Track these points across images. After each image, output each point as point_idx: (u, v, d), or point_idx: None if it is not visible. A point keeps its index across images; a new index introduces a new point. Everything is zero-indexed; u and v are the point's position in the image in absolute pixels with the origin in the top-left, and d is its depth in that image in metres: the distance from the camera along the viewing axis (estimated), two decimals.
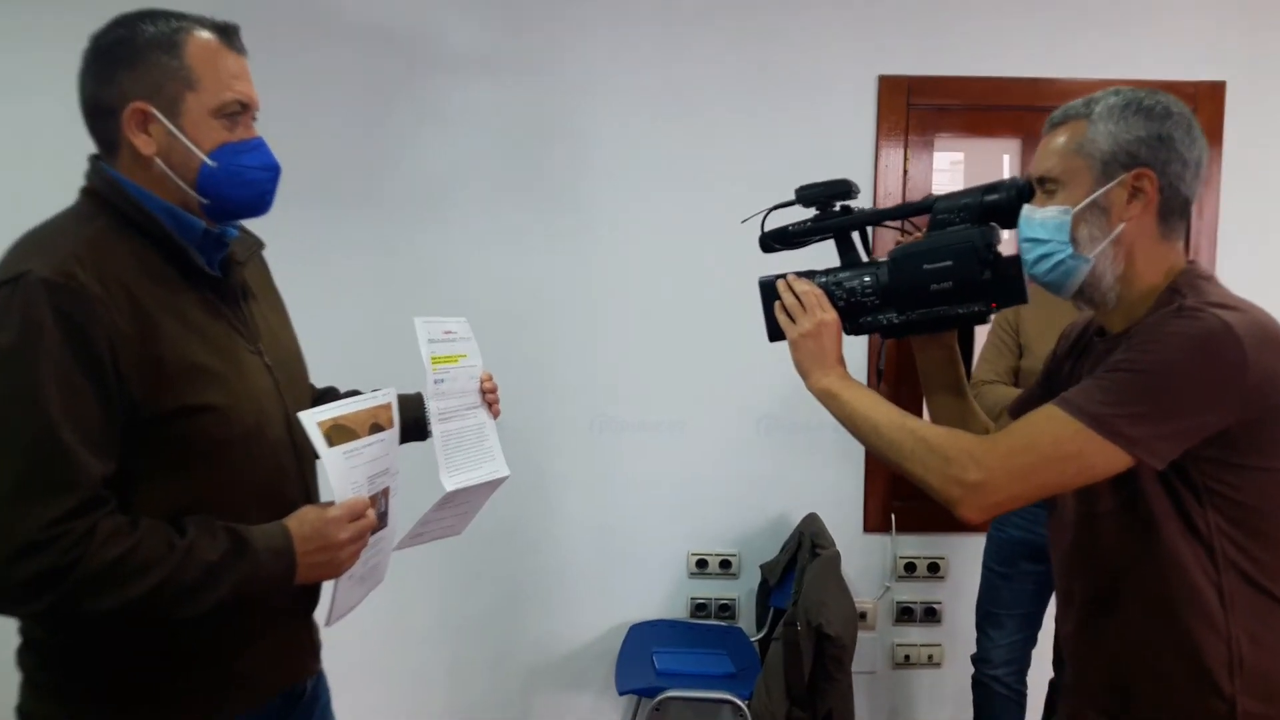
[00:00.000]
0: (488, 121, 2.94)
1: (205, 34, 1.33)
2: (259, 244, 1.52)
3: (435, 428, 1.67)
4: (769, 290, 1.55)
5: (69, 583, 1.14)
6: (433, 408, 1.67)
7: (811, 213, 1.57)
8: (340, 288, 2.94)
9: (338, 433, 1.33)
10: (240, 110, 1.34)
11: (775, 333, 1.55)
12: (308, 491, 1.45)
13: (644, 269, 2.99)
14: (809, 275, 1.55)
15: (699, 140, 2.95)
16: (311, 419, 1.30)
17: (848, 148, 2.95)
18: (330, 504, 1.31)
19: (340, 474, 1.31)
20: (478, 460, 1.74)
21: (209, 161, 1.31)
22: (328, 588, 1.37)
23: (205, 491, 1.28)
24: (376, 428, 1.40)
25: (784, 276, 1.54)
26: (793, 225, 1.58)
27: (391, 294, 2.94)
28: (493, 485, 1.75)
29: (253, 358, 1.39)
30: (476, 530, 1.88)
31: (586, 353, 3.00)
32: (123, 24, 1.31)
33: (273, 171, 1.38)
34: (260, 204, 1.39)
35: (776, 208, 1.60)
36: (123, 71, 1.29)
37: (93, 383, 1.17)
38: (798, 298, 1.51)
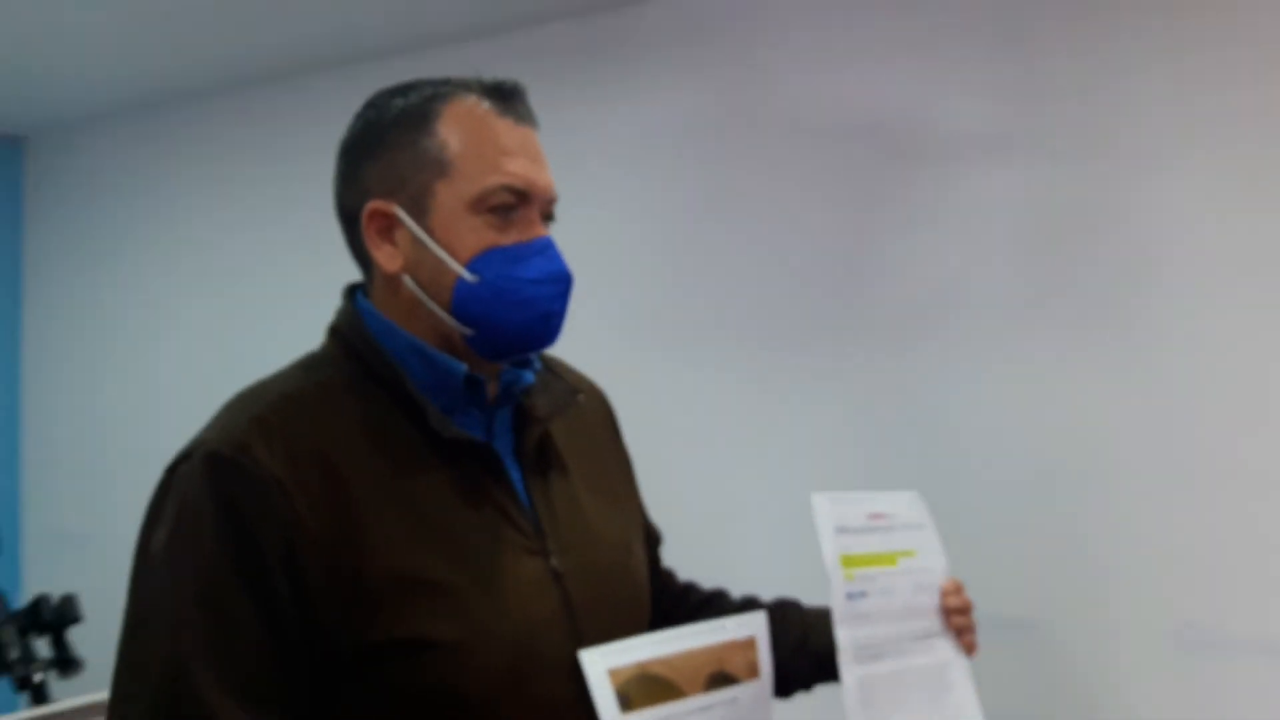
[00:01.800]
0: (998, 219, 2.28)
1: (469, 98, 0.95)
2: (571, 395, 1.06)
3: (847, 671, 1.06)
4: None
5: None
6: (844, 639, 1.07)
7: None
8: (790, 442, 2.43)
9: (643, 687, 0.90)
10: (514, 203, 0.94)
11: None
12: None
13: (1245, 411, 2.04)
14: None
15: None
16: (599, 663, 0.90)
17: None
18: None
19: None
20: (930, 717, 1.09)
21: (466, 275, 0.94)
22: None
23: None
24: (722, 679, 0.95)
25: None
26: None
27: (862, 449, 2.36)
28: None
29: (530, 561, 0.95)
30: None
31: (1158, 529, 2.11)
32: (375, 103, 0.99)
33: (559, 284, 0.97)
34: (544, 330, 0.97)
35: None
36: (367, 164, 0.97)
37: (254, 600, 0.85)
38: None
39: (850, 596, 1.09)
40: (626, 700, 0.88)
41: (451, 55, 2.77)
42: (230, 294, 3.30)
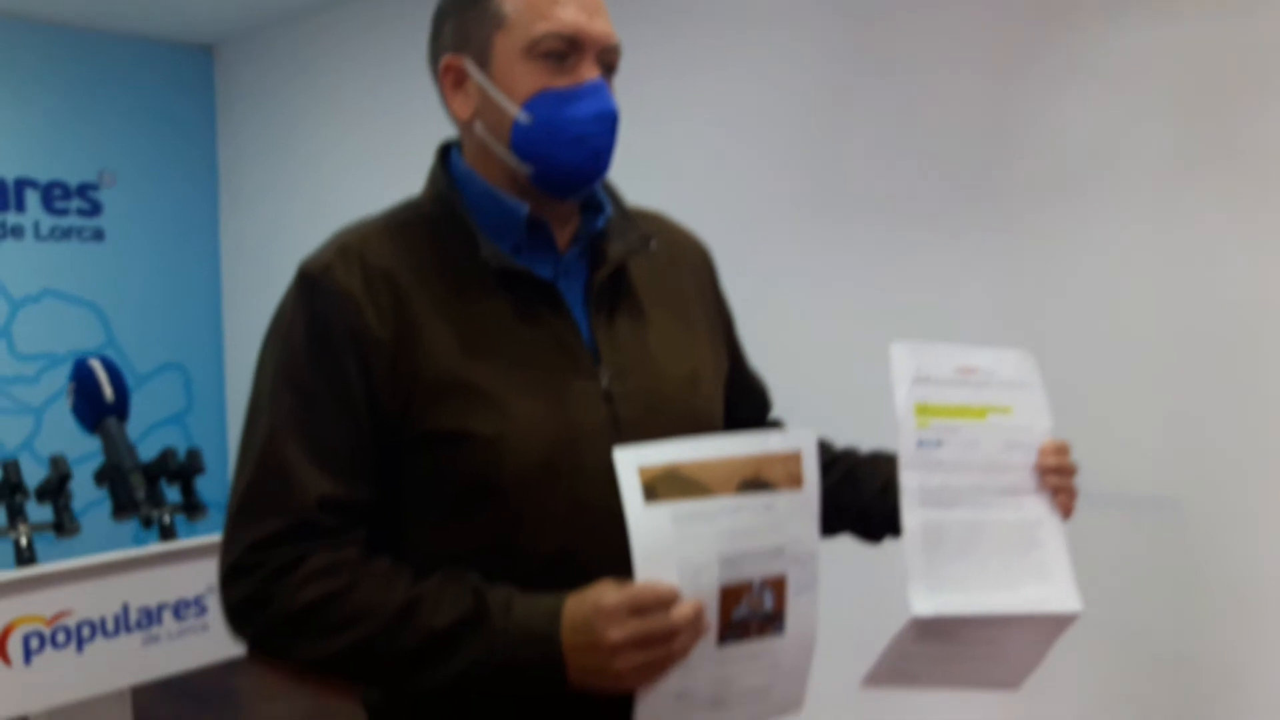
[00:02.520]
0: (1155, 76, 2.12)
1: None
2: (644, 241, 1.11)
3: (909, 513, 1.07)
4: None
5: (264, 619, 0.98)
6: (909, 481, 1.08)
7: None
8: (931, 315, 2.39)
9: (670, 484, 0.92)
10: (565, 49, 1.01)
11: None
12: None
13: None
14: None
15: None
16: (631, 460, 0.92)
17: None
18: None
19: (648, 543, 0.91)
20: (1012, 576, 1.10)
21: (521, 116, 1.02)
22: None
23: (480, 545, 1.01)
24: (757, 484, 0.95)
25: None
26: None
27: (1005, 321, 2.30)
28: (1051, 625, 1.10)
29: (580, 381, 1.03)
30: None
31: None
32: None
33: (605, 122, 1.03)
34: (594, 165, 1.05)
35: None
36: (445, 24, 1.08)
37: (331, 389, 0.99)
38: None
39: (923, 444, 1.08)
40: (653, 494, 0.90)
41: None
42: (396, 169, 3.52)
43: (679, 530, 0.92)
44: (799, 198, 2.66)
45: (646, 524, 0.91)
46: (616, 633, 0.90)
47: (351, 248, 1.03)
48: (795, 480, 0.97)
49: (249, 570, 0.97)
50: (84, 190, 4.12)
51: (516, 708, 0.99)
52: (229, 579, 0.99)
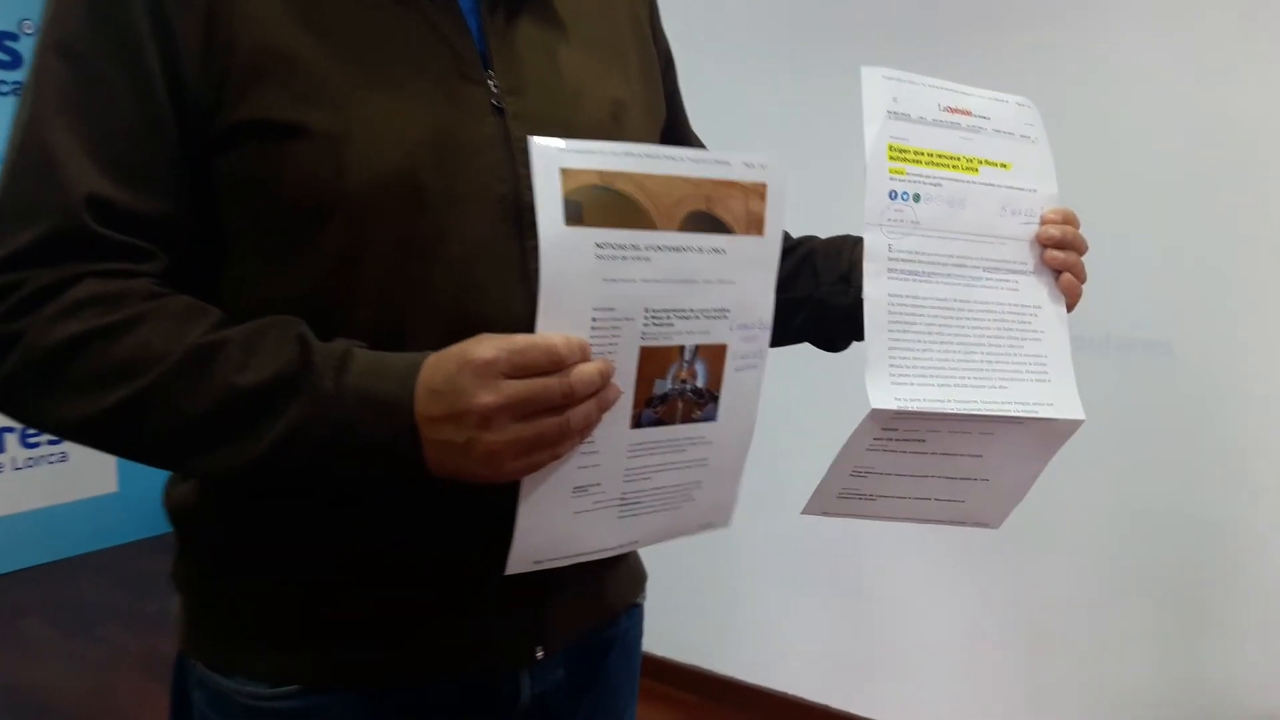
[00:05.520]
0: None
1: None
2: None
3: (871, 281, 0.83)
4: None
5: (9, 363, 0.71)
6: (874, 242, 0.83)
7: None
8: None
9: (600, 203, 0.67)
10: None
11: None
12: None
13: None
14: None
15: None
16: (552, 158, 0.66)
17: None
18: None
19: (560, 280, 0.67)
20: (1001, 370, 0.86)
21: None
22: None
23: (324, 287, 0.74)
24: (708, 221, 0.71)
25: None
26: None
27: None
28: (1048, 434, 0.87)
29: (462, 84, 0.77)
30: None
31: None
32: None
33: None
34: None
35: None
36: None
37: (114, 57, 0.72)
38: None
39: (896, 197, 0.83)
40: (577, 211, 0.66)
41: None
42: None
43: (602, 269, 0.67)
44: (776, 20, 2.35)
45: (562, 252, 0.66)
46: (489, 396, 0.65)
47: None
48: (755, 223, 0.73)
49: None
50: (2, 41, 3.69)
51: (360, 510, 0.75)
52: None
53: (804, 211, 1.04)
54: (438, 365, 0.68)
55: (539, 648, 0.84)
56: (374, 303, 0.74)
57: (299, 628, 0.79)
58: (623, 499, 0.74)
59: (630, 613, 0.97)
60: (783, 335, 0.92)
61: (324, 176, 0.72)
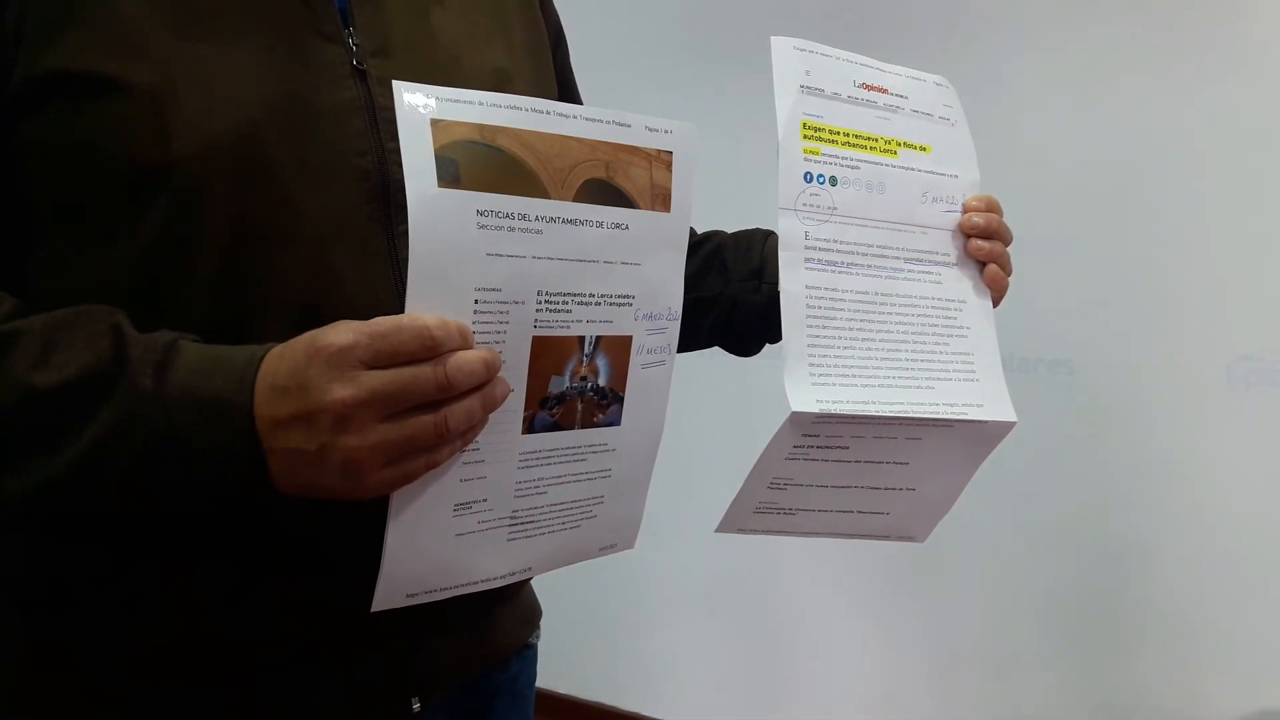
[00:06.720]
0: None
1: None
2: None
3: (787, 274, 0.75)
4: None
5: None
6: (789, 229, 0.76)
7: None
8: None
9: (482, 162, 0.57)
10: None
11: None
12: None
13: None
14: None
15: None
16: (420, 107, 0.56)
17: None
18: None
19: (432, 253, 0.56)
20: (926, 369, 0.79)
21: None
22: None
23: (149, 274, 0.62)
24: (608, 191, 0.62)
25: None
26: None
27: None
28: (977, 438, 0.80)
29: (318, 44, 0.66)
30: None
31: (1225, 251, 1.78)
32: None
33: None
34: None
35: None
36: None
37: None
38: None
39: (811, 179, 0.76)
40: (452, 171, 0.56)
41: None
42: None
43: (486, 241, 0.57)
44: (675, 41, 2.29)
45: (436, 219, 0.55)
46: (345, 389, 0.54)
47: None
48: (662, 197, 0.64)
49: None
50: None
51: (197, 534, 0.62)
52: None
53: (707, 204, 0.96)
54: (283, 356, 0.56)
55: (414, 699, 0.72)
56: (209, 293, 0.62)
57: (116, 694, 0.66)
58: (513, 518, 0.64)
59: (522, 654, 0.85)
60: (691, 338, 0.83)
61: (146, 142, 0.60)
